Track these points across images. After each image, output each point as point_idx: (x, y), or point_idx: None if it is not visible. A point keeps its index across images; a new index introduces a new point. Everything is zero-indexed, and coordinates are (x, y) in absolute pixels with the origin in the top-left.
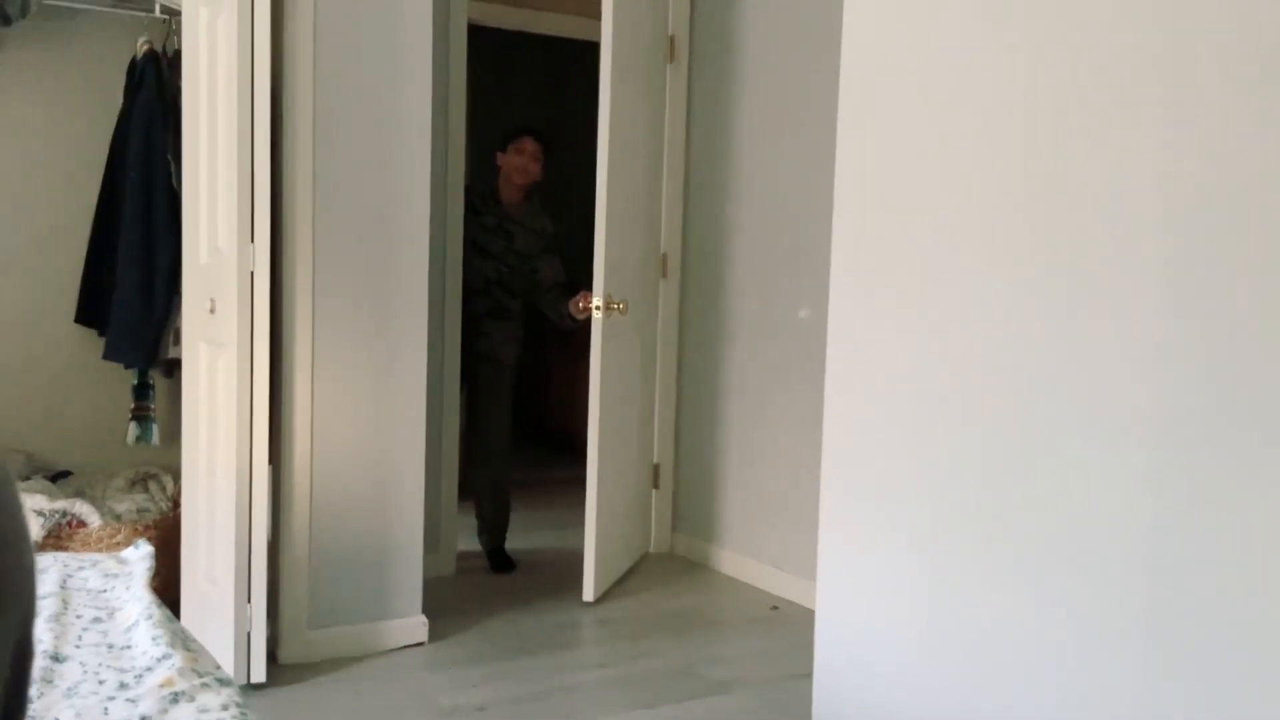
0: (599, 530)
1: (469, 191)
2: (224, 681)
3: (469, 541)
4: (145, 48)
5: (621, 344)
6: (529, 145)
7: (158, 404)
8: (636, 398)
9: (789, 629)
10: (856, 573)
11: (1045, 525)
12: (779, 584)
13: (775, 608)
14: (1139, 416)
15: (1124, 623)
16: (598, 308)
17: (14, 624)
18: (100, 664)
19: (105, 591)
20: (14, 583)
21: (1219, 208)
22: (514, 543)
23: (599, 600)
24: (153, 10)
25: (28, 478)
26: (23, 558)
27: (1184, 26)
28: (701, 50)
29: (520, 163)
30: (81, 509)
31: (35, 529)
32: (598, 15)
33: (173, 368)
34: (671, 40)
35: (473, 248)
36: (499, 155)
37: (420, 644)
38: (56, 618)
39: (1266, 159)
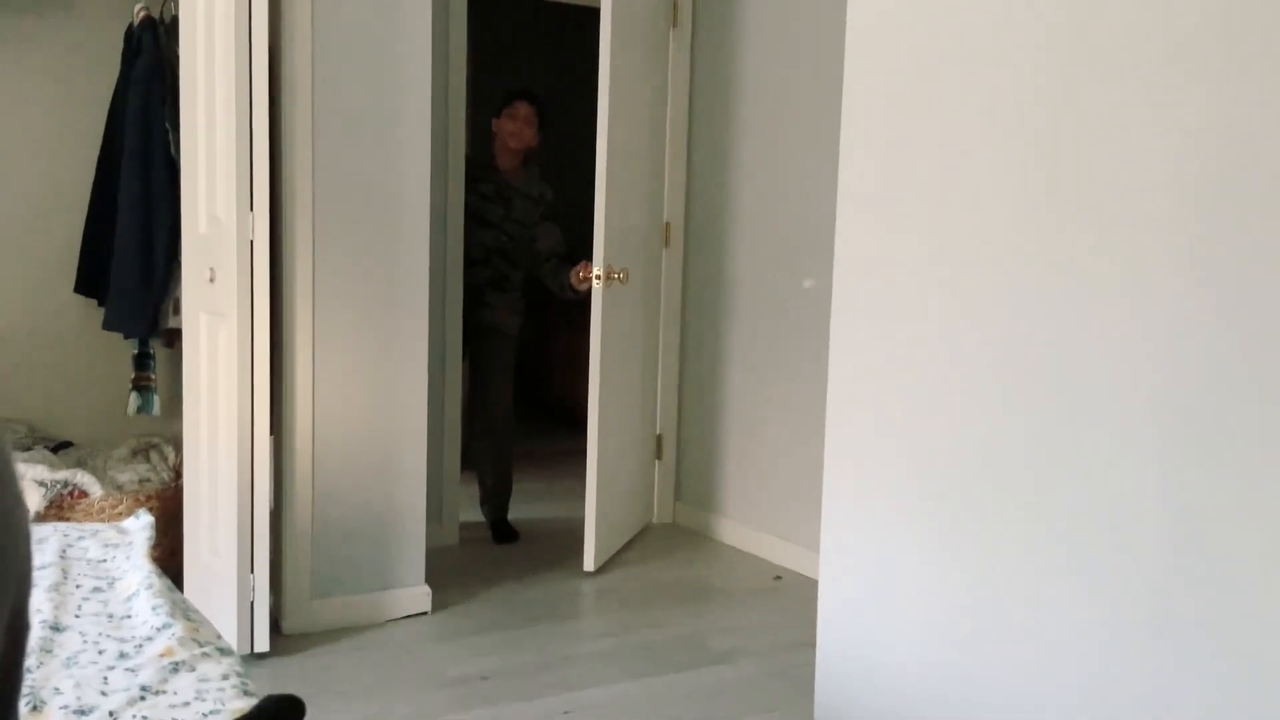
0: (599, 500)
1: (469, 162)
2: (224, 651)
3: (472, 512)
4: (142, 15)
5: (623, 314)
6: (522, 109)
7: (158, 374)
8: (639, 368)
9: (792, 599)
10: (859, 543)
11: (1050, 497)
12: (782, 554)
13: (778, 578)
14: (1150, 393)
15: (1129, 594)
16: (598, 277)
17: (9, 594)
18: (100, 634)
19: (105, 561)
20: (8, 552)
21: (1234, 191)
22: (517, 513)
23: (602, 570)
24: None
25: (29, 448)
26: (17, 526)
27: (1194, 5)
28: (705, 15)
29: (514, 128)
30: (83, 479)
31: (37, 499)
32: None
33: (173, 338)
34: (675, 5)
35: (472, 217)
36: (494, 121)
37: (424, 614)
38: (56, 587)
39: (1269, 163)
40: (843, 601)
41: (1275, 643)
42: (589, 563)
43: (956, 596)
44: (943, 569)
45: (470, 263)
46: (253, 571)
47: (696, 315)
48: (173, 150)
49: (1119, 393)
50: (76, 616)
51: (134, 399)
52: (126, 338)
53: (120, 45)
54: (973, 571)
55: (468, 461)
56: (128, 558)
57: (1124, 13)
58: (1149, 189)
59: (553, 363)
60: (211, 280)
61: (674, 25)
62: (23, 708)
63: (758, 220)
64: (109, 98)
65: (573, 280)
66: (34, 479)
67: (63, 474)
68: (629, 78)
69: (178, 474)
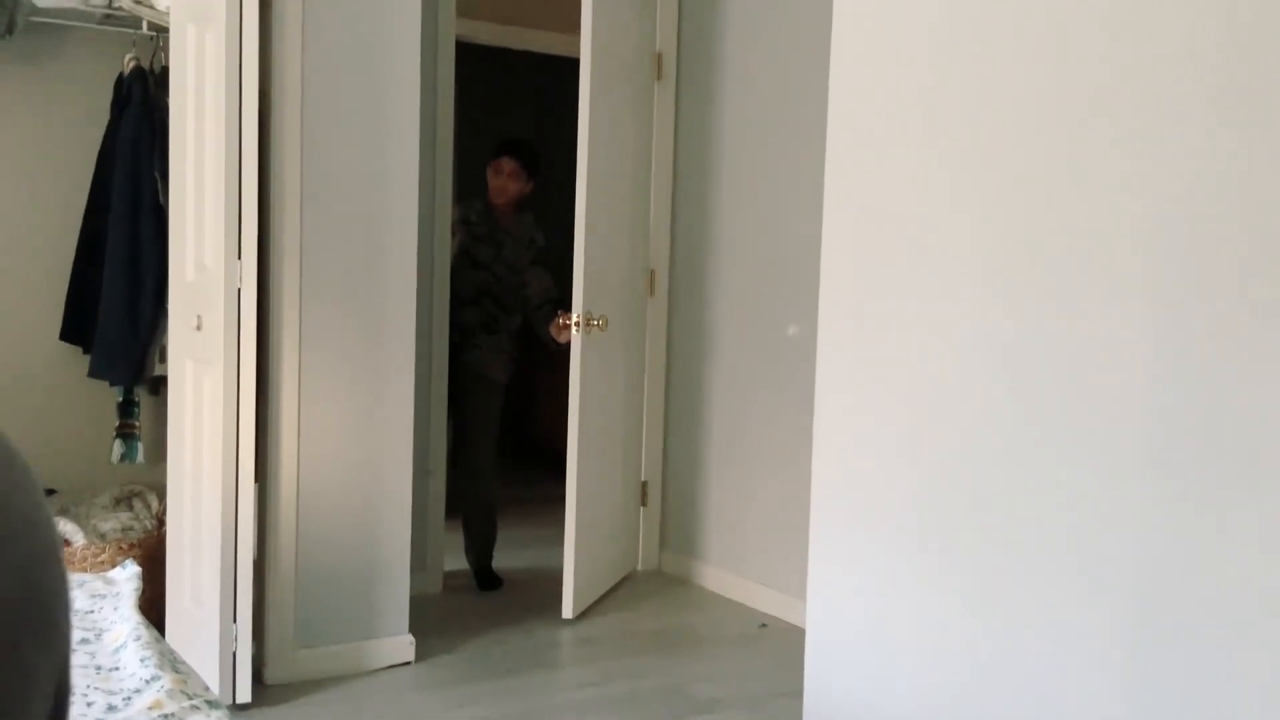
0: (578, 547)
1: (466, 205)
2: (213, 704)
3: (456, 560)
4: (133, 64)
5: (605, 360)
6: (506, 165)
7: (143, 422)
8: (622, 415)
9: (778, 647)
10: (846, 591)
11: (1037, 544)
12: (768, 601)
13: (764, 625)
14: (1132, 437)
15: (1114, 645)
16: (576, 324)
17: (57, 660)
18: (88, 685)
19: (92, 612)
20: (58, 618)
21: (1204, 229)
22: (501, 561)
23: (586, 618)
24: (140, 28)
25: None
26: (64, 591)
27: (1169, 53)
28: (689, 68)
29: (498, 184)
30: (66, 528)
31: None
32: None
33: (158, 385)
34: (659, 58)
35: (464, 257)
36: (487, 168)
37: (407, 663)
38: None
39: (1250, 181)
40: (829, 650)
41: (1252, 680)
42: (567, 610)
43: (944, 644)
44: (931, 616)
45: (460, 303)
46: (235, 621)
47: (681, 362)
48: (161, 198)
49: (1107, 436)
50: None
51: (118, 446)
52: (112, 385)
53: (110, 94)
54: (962, 619)
55: (452, 508)
56: (115, 609)
57: (1105, 66)
58: (1123, 236)
59: (537, 408)
60: (198, 327)
61: (658, 78)
62: None
63: (741, 268)
64: (98, 145)
65: (554, 333)
66: None
67: None
68: (610, 128)
69: (160, 522)
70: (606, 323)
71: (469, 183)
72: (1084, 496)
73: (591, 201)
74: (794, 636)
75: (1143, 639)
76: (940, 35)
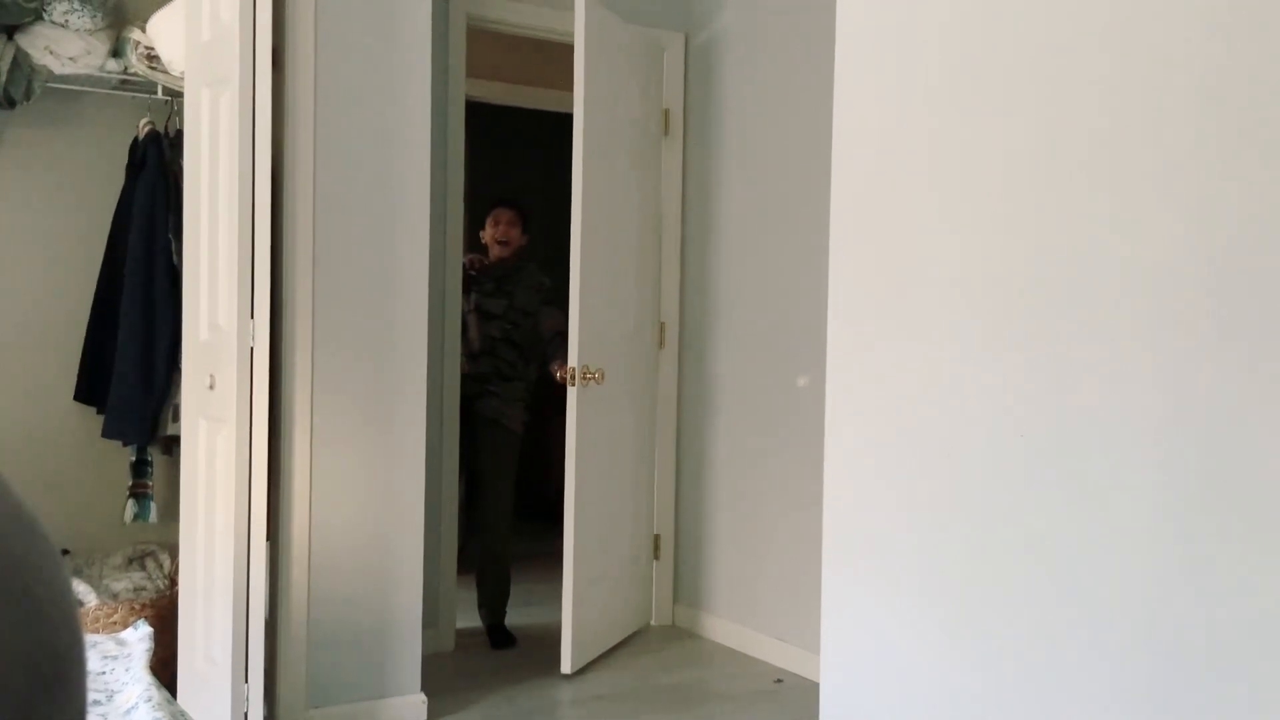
0: (577, 600)
1: (468, 272)
2: None
3: (469, 617)
4: (147, 128)
5: (609, 412)
6: (503, 215)
7: (156, 481)
8: (632, 467)
9: (794, 703)
10: (861, 645)
11: (1053, 596)
12: (783, 656)
13: (779, 681)
14: (1140, 495)
15: (1128, 703)
16: (572, 378)
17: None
18: None
19: (104, 674)
20: (74, 681)
21: (1203, 279)
22: (514, 618)
23: (600, 674)
24: (155, 92)
25: None
26: (80, 653)
27: (1167, 108)
28: (696, 122)
29: (497, 233)
30: (78, 588)
31: None
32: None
33: (171, 445)
34: (666, 113)
35: (475, 311)
36: (481, 233)
37: None
38: None
39: (1256, 241)
40: (845, 705)
41: None
42: (565, 665)
43: (963, 700)
44: (948, 670)
45: (473, 354)
46: (247, 681)
47: (692, 414)
48: (175, 259)
49: (1116, 494)
50: None
51: (131, 506)
52: (125, 445)
53: (125, 157)
54: (980, 673)
55: (464, 563)
56: (127, 669)
57: (1112, 122)
58: (1136, 297)
59: (550, 459)
60: (211, 387)
61: (665, 133)
62: None
63: (751, 319)
64: (113, 208)
65: (557, 376)
66: None
67: None
68: (612, 184)
69: (173, 582)
70: (603, 376)
71: (479, 239)
72: (1095, 554)
73: (586, 257)
74: (810, 692)
75: (1156, 695)
76: (943, 89)
